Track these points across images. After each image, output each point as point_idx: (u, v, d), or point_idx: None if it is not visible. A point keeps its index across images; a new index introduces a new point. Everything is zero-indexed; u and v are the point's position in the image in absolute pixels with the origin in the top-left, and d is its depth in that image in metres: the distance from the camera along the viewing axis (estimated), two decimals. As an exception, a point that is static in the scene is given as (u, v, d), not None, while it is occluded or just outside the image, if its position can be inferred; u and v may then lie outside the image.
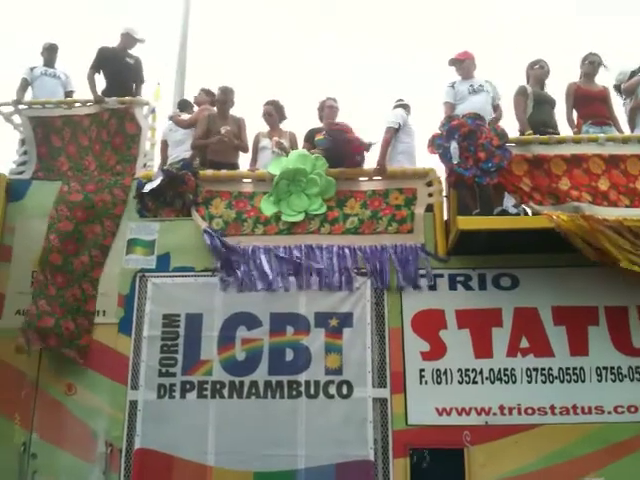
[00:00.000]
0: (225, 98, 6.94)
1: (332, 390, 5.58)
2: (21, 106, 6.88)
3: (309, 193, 6.15)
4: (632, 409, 5.41)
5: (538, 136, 5.82)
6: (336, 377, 5.61)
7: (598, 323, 5.66)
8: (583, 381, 5.52)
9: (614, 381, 5.51)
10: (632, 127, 6.33)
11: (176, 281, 5.95)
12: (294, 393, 5.59)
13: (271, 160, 6.39)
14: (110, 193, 6.19)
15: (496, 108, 6.23)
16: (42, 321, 5.66)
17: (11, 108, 6.87)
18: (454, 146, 5.43)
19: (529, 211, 6.04)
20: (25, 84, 7.20)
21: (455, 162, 5.43)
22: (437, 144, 5.62)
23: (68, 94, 7.27)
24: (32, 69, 7.30)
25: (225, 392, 5.62)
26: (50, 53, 7.39)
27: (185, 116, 7.44)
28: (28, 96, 7.15)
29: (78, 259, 5.96)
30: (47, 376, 5.77)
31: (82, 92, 7.18)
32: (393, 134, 6.47)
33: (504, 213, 5.61)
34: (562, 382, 5.52)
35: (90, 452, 5.57)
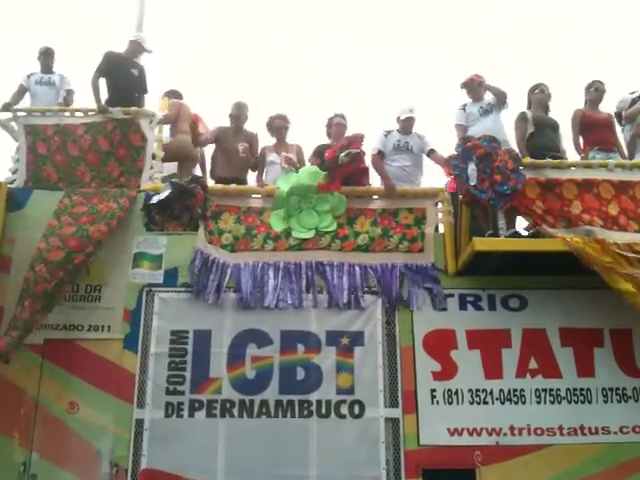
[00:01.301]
0: (239, 113, 6.89)
1: (344, 410, 5.53)
2: (19, 113, 6.67)
3: (320, 210, 6.13)
4: (637, 429, 5.55)
5: (550, 160, 5.93)
6: (348, 397, 5.57)
7: (603, 345, 5.79)
8: (590, 402, 5.63)
9: (619, 402, 5.64)
10: (631, 153, 6.51)
11: (184, 296, 5.83)
12: (305, 413, 5.52)
13: (280, 175, 6.35)
14: (116, 202, 6.02)
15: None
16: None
17: (9, 114, 6.66)
18: (472, 168, 5.50)
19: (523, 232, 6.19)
20: (22, 90, 7.01)
21: (472, 184, 5.49)
22: (453, 165, 5.69)
23: (68, 93, 7.08)
24: (29, 76, 7.13)
25: (235, 411, 5.51)
26: (46, 57, 7.22)
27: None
28: (26, 103, 6.95)
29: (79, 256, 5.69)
30: (48, 393, 5.53)
31: (81, 92, 7.05)
32: (378, 157, 6.57)
33: (516, 235, 5.69)
34: (570, 403, 5.62)
35: (94, 472, 5.37)
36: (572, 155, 6.52)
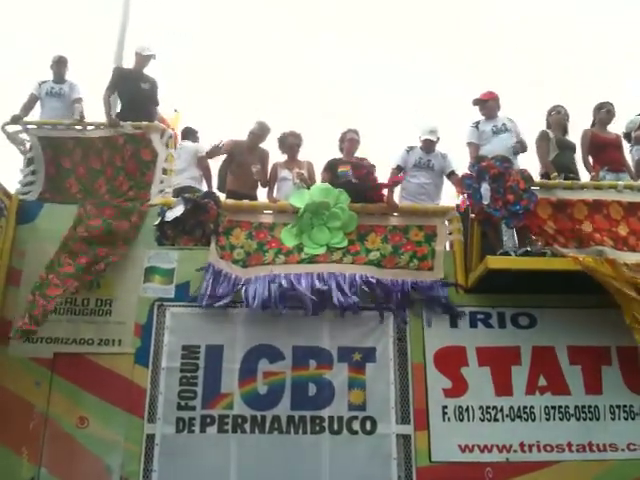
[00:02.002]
0: (262, 134, 6.98)
1: (356, 426, 5.54)
2: (30, 125, 6.66)
3: (331, 226, 6.16)
4: (644, 446, 5.64)
5: (562, 181, 6.06)
6: (360, 413, 5.58)
7: (611, 363, 5.87)
8: (598, 419, 5.69)
9: (626, 419, 5.71)
10: (639, 174, 6.64)
11: (196, 311, 5.82)
12: (317, 429, 5.52)
13: (292, 192, 6.38)
14: (128, 220, 6.04)
15: (521, 143, 6.43)
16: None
17: (18, 127, 6.64)
18: (485, 187, 5.58)
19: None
20: (33, 100, 7.00)
21: (486, 202, 5.57)
22: (467, 184, 5.77)
23: (76, 101, 7.04)
24: (41, 84, 7.11)
25: (247, 427, 5.49)
26: (59, 67, 7.18)
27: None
28: (36, 113, 6.94)
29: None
30: (57, 408, 5.49)
31: (90, 104, 7.04)
32: (395, 172, 6.66)
33: (528, 254, 5.76)
34: (578, 420, 5.68)
35: (104, 488, 5.35)
36: (583, 175, 6.65)
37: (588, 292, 5.74)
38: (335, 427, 5.53)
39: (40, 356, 5.62)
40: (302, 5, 30.26)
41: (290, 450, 5.46)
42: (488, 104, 6.48)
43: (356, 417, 5.56)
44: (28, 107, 6.92)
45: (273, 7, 26.44)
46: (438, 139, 6.81)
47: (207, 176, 7.74)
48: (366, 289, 5.88)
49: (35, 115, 6.99)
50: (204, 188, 7.64)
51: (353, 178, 6.19)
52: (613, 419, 5.69)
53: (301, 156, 7.00)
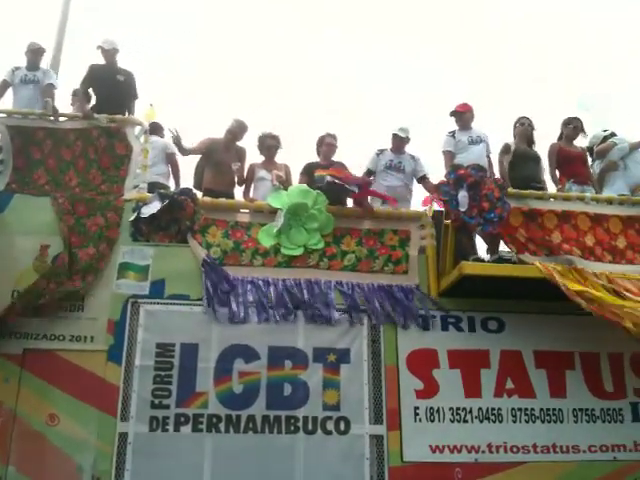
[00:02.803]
0: (239, 131, 6.94)
1: (330, 426, 5.58)
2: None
3: (308, 228, 6.20)
4: (604, 448, 5.83)
5: (533, 191, 6.24)
6: (334, 413, 5.63)
7: (574, 368, 6.08)
8: (562, 422, 5.89)
9: (588, 422, 5.93)
10: (601, 187, 6.91)
11: (171, 309, 5.75)
12: (292, 428, 5.54)
13: (270, 192, 6.39)
14: (103, 216, 5.93)
15: (489, 159, 6.59)
16: None
17: (-15, 114, 6.43)
18: (463, 194, 5.72)
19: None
20: (5, 85, 6.78)
21: (463, 210, 5.70)
22: (444, 191, 5.90)
23: (48, 87, 6.83)
24: (14, 71, 6.90)
25: (222, 426, 5.47)
26: (35, 55, 6.97)
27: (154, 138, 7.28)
28: (7, 101, 6.74)
29: (70, 282, 5.64)
30: (27, 404, 5.33)
31: (63, 96, 6.86)
32: (366, 177, 6.74)
33: (500, 261, 5.94)
34: (543, 422, 5.87)
35: (74, 488, 5.23)
36: (550, 186, 6.86)
37: (554, 299, 5.91)
38: (310, 427, 5.56)
39: (9, 352, 5.45)
40: (306, 1, 30.17)
41: (265, 450, 5.46)
42: (465, 116, 6.64)
43: (330, 417, 5.61)
44: None
45: (277, 3, 26.35)
46: (408, 139, 6.93)
47: (175, 172, 7.69)
48: (342, 294, 5.99)
49: (5, 102, 6.78)
50: (172, 184, 7.61)
51: (335, 179, 6.25)
52: (576, 422, 5.90)
53: (280, 158, 7.05)
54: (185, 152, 6.82)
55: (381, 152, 6.88)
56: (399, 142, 6.80)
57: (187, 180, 7.64)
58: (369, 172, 6.84)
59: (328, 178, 6.19)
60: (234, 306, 5.80)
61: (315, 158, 7.05)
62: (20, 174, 6.33)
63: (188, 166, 7.39)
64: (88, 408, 5.39)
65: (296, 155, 7.40)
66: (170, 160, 7.59)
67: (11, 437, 5.27)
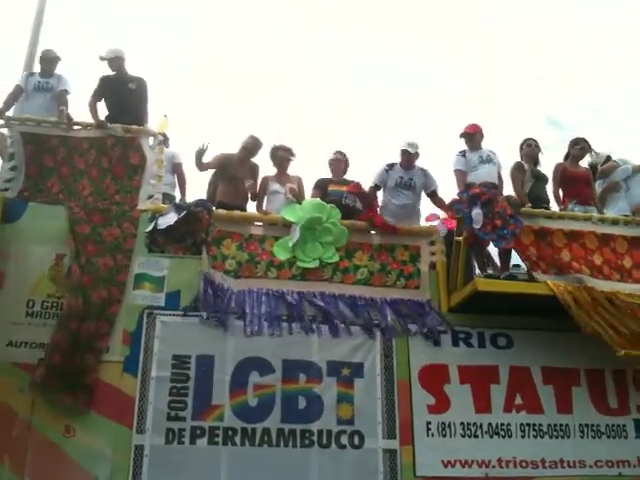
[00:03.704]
0: (254, 148, 6.93)
1: (344, 440, 5.63)
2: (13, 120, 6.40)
3: (322, 241, 6.26)
4: (609, 464, 5.98)
5: (543, 210, 6.38)
6: (348, 427, 5.68)
7: (580, 384, 6.22)
8: (568, 437, 6.02)
9: (594, 438, 6.06)
10: (602, 206, 7.06)
11: (186, 320, 5.77)
12: (307, 442, 5.57)
13: (284, 205, 6.44)
14: (119, 226, 5.92)
15: (499, 177, 6.70)
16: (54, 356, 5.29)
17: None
18: (476, 212, 5.83)
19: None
20: (18, 92, 6.71)
21: (477, 227, 5.81)
22: (457, 209, 6.01)
23: (61, 93, 6.77)
24: (28, 77, 6.86)
25: (237, 439, 5.48)
26: (50, 63, 6.90)
27: None
28: (20, 106, 6.68)
29: (96, 292, 5.62)
30: (42, 416, 5.29)
31: (76, 105, 6.81)
32: (373, 191, 6.79)
33: (511, 278, 6.06)
34: (551, 437, 5.99)
35: (90, 500, 5.20)
36: (554, 206, 6.98)
37: (561, 316, 6.04)
38: (324, 441, 5.60)
39: (24, 361, 5.42)
40: None
41: (280, 463, 5.49)
42: (475, 137, 6.69)
43: (344, 431, 5.66)
44: (12, 99, 6.60)
45: (273, 1, 26.35)
46: (417, 155, 6.81)
47: (181, 183, 7.69)
48: (355, 308, 6.05)
49: (18, 108, 6.71)
50: (177, 194, 7.62)
51: (350, 201, 6.33)
52: (582, 437, 6.04)
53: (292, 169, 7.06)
54: (203, 167, 6.80)
55: (390, 168, 6.78)
56: (409, 158, 6.75)
57: (193, 191, 7.68)
58: (376, 187, 6.83)
59: (346, 196, 6.31)
60: (248, 318, 5.84)
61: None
62: (33, 182, 6.27)
63: (194, 177, 7.43)
64: (104, 420, 5.37)
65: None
66: (176, 170, 7.60)
67: (26, 448, 5.22)
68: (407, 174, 6.76)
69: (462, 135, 6.68)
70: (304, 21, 29.41)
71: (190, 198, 7.16)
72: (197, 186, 7.65)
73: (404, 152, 6.77)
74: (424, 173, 6.81)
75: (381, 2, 26.42)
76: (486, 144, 6.71)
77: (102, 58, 6.97)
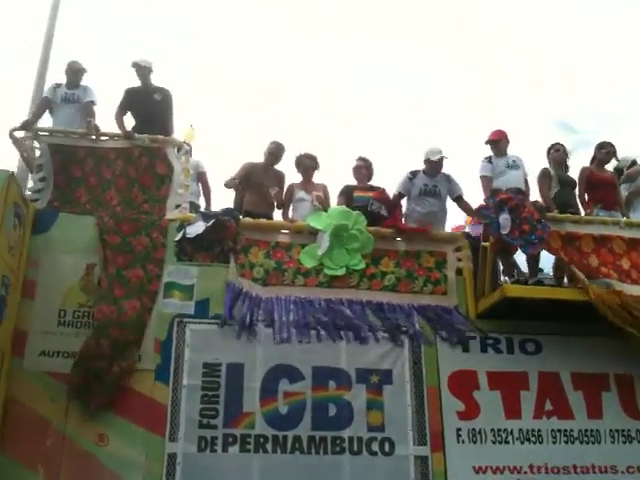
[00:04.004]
0: (279, 154, 7.00)
1: (375, 447, 5.62)
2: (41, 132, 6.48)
3: (349, 248, 6.27)
4: (641, 469, 5.98)
5: (569, 215, 6.38)
6: (379, 434, 5.67)
7: (610, 389, 6.19)
8: (599, 443, 5.99)
9: (624, 443, 6.03)
10: (628, 210, 7.05)
11: (216, 328, 5.78)
12: (338, 449, 5.57)
13: (310, 213, 6.47)
14: (148, 235, 5.96)
15: (526, 183, 6.70)
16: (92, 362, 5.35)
17: (27, 132, 6.46)
18: (504, 217, 5.83)
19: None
20: (45, 104, 6.81)
21: (505, 232, 5.82)
22: (483, 214, 6.02)
23: (87, 105, 6.86)
24: (55, 88, 6.92)
25: (269, 447, 5.48)
26: (76, 75, 6.98)
27: None
28: (47, 117, 6.77)
29: (128, 303, 5.65)
30: (76, 425, 5.30)
31: (103, 116, 6.89)
32: (397, 199, 6.82)
33: (539, 283, 6.06)
34: (582, 443, 5.96)
35: (124, 508, 5.22)
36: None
37: (589, 321, 6.04)
38: (355, 448, 5.59)
39: (57, 371, 5.44)
40: (302, 5, 30.34)
41: (312, 470, 5.49)
42: (501, 143, 6.74)
43: (375, 438, 5.65)
44: (40, 111, 6.72)
45: (273, 7, 26.52)
46: (442, 160, 6.76)
47: (206, 191, 7.75)
48: (383, 315, 6.07)
49: (46, 119, 6.81)
50: (201, 203, 7.67)
51: (376, 207, 6.37)
52: (613, 443, 6.00)
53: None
54: (230, 184, 6.89)
55: (414, 176, 6.79)
56: (434, 166, 6.76)
57: (216, 199, 7.73)
58: (400, 195, 6.86)
59: (372, 202, 6.35)
60: (277, 326, 5.86)
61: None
62: (61, 192, 6.35)
63: (218, 186, 7.48)
64: (137, 428, 5.37)
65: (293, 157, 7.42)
66: (201, 179, 7.66)
67: (60, 458, 5.23)
68: (431, 181, 6.76)
69: (488, 142, 6.69)
70: (304, 27, 29.68)
71: (214, 207, 7.25)
72: (220, 194, 7.74)
73: (429, 162, 6.77)
74: (448, 179, 6.82)
75: (381, 8, 26.56)
76: (487, 148, 6.74)
77: (136, 67, 7.07)
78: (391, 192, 6.83)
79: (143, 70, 7.09)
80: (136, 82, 7.14)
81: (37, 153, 6.50)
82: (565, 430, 5.97)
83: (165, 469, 5.29)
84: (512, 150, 6.95)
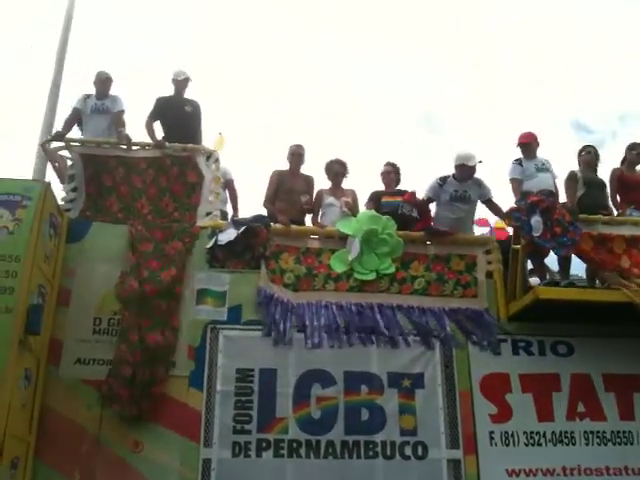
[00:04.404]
0: (301, 152, 7.05)
1: (408, 451, 5.65)
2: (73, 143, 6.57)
3: (379, 252, 6.29)
4: (674, 470, 5.95)
5: (601, 216, 6.36)
6: (411, 438, 5.69)
7: (641, 390, 6.19)
8: (632, 444, 5.98)
9: (657, 444, 6.04)
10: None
11: (248, 334, 5.84)
12: (371, 454, 5.60)
13: (340, 218, 6.50)
14: (180, 240, 6.02)
15: (555, 186, 6.68)
16: (122, 369, 5.41)
17: (59, 143, 6.56)
18: (536, 219, 5.82)
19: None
20: (76, 115, 6.89)
21: (537, 234, 5.81)
22: (515, 217, 6.02)
23: (118, 114, 6.92)
24: (86, 99, 6.98)
25: (302, 452, 5.53)
26: (104, 85, 7.03)
27: None
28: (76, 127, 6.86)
29: (157, 302, 5.70)
30: (110, 431, 5.38)
31: (132, 126, 6.96)
32: (425, 204, 6.77)
33: (572, 285, 6.04)
34: (614, 445, 5.95)
35: (160, 514, 5.29)
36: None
37: (620, 322, 6.05)
38: (388, 452, 5.62)
39: (92, 378, 5.51)
40: (302, 5, 30.41)
41: (345, 475, 5.52)
42: (531, 146, 6.72)
43: (408, 442, 5.67)
44: (71, 122, 6.80)
45: (273, 7, 26.60)
46: (475, 165, 6.61)
47: (233, 198, 7.76)
48: (414, 318, 6.09)
49: (75, 130, 6.89)
50: (229, 210, 7.71)
51: (407, 210, 6.40)
52: (646, 444, 6.02)
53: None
54: (269, 204, 6.91)
55: (443, 182, 6.65)
56: (468, 170, 6.61)
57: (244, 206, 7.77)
58: (429, 200, 6.78)
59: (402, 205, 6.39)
60: (308, 331, 5.90)
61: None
62: (93, 201, 6.47)
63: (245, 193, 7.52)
64: (171, 434, 5.44)
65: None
66: (228, 186, 7.68)
67: (95, 464, 5.29)
68: (462, 187, 6.64)
69: (518, 145, 6.67)
70: (304, 27, 29.61)
71: (242, 213, 7.30)
72: (248, 201, 7.78)
73: (462, 167, 6.60)
74: (479, 183, 6.70)
75: (381, 9, 26.49)
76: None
77: (174, 80, 7.16)
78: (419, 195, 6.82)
79: (182, 83, 7.18)
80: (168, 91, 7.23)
81: (69, 163, 6.59)
82: (598, 432, 5.96)
83: (200, 475, 5.35)
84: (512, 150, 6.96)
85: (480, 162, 6.59)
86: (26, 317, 4.96)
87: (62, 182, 6.67)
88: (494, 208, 6.77)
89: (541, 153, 6.90)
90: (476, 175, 6.70)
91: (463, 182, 6.65)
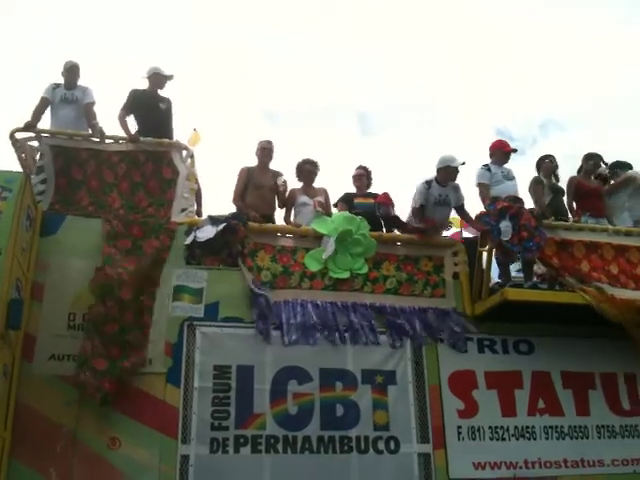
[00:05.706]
0: (271, 147, 7.09)
1: (381, 446, 5.82)
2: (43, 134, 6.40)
3: (352, 252, 6.43)
4: (625, 462, 6.34)
5: (563, 222, 6.70)
6: (384, 433, 5.87)
7: (595, 387, 6.56)
8: (587, 438, 6.35)
9: (609, 438, 6.41)
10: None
11: (225, 331, 5.87)
12: (346, 448, 5.74)
13: (313, 218, 6.59)
14: (157, 239, 5.97)
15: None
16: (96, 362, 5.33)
17: (29, 134, 6.37)
18: (505, 224, 6.08)
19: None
20: (45, 104, 6.66)
21: (506, 239, 6.07)
22: (485, 221, 6.25)
23: (88, 106, 6.73)
24: (54, 89, 6.76)
25: (279, 447, 5.61)
26: (71, 74, 6.82)
27: None
28: (46, 118, 6.67)
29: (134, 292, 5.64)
30: (87, 428, 5.29)
31: (104, 118, 6.81)
32: (418, 212, 6.81)
33: (535, 287, 6.35)
34: (572, 439, 6.31)
35: (138, 511, 5.25)
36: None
37: (578, 323, 6.43)
38: (362, 447, 5.77)
39: (68, 374, 5.39)
40: (302, 5, 30.19)
41: (321, 470, 5.65)
42: (502, 154, 6.99)
43: (381, 437, 5.85)
44: (40, 112, 6.54)
45: (273, 7, 26.39)
46: (459, 167, 6.78)
47: (197, 197, 7.72)
48: (386, 317, 6.27)
49: (45, 120, 6.68)
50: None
51: (383, 211, 6.56)
52: (600, 438, 6.38)
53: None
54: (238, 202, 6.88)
55: (429, 185, 6.78)
56: (453, 172, 6.79)
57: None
58: (422, 207, 6.76)
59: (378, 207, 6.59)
60: (285, 328, 5.97)
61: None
62: (62, 195, 6.30)
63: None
64: (149, 431, 5.41)
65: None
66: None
67: (72, 461, 5.21)
68: (443, 191, 6.83)
69: (491, 153, 6.93)
70: (304, 27, 29.64)
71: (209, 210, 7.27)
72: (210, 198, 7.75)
73: (448, 169, 6.76)
74: (456, 188, 6.93)
75: (381, 8, 26.77)
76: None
77: (164, 75, 7.08)
78: (399, 201, 7.06)
79: (162, 79, 7.08)
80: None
81: (37, 155, 6.42)
82: (556, 427, 6.30)
83: (178, 471, 5.35)
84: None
85: (463, 164, 6.79)
86: (6, 311, 4.85)
87: (29, 174, 6.48)
88: (465, 215, 7.02)
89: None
90: (456, 180, 6.93)
91: (444, 187, 6.82)
